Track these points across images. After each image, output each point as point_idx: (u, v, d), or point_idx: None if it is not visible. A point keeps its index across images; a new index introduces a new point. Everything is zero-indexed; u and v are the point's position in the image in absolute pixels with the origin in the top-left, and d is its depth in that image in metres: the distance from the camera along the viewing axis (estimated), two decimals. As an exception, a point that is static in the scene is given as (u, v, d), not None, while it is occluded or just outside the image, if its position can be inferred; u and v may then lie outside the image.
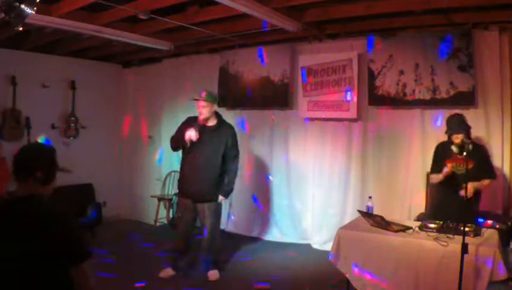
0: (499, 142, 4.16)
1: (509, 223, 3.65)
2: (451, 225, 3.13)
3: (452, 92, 4.27)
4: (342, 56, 4.95)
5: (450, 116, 3.61)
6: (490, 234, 3.11)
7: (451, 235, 2.98)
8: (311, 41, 5.19)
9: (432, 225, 3.20)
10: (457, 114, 3.58)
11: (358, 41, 4.90)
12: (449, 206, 3.43)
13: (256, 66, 5.55)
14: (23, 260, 1.64)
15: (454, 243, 2.84)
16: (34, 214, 1.69)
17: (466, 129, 3.47)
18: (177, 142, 4.07)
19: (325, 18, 4.36)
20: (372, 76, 4.74)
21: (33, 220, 1.67)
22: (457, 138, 3.42)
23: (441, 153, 3.64)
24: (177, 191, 4.30)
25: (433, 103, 4.39)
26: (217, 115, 4.14)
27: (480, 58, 4.20)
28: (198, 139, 3.90)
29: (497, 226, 3.54)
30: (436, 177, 3.62)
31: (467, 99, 4.21)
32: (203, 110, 3.97)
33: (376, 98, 4.74)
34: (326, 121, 5.18)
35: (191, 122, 4.06)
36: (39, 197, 1.77)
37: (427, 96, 4.41)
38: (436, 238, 2.95)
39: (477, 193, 3.48)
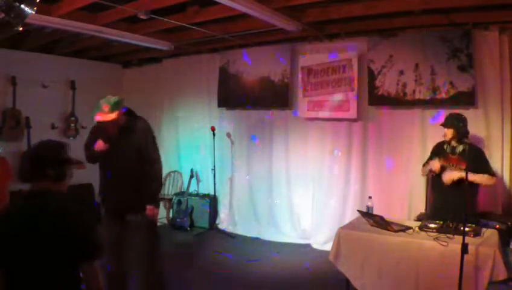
0: (499, 142, 4.16)
1: (509, 223, 3.65)
2: (451, 225, 3.13)
3: (452, 92, 4.28)
4: (342, 56, 4.95)
5: (450, 113, 3.60)
6: (490, 234, 3.11)
7: (451, 235, 2.98)
8: (311, 41, 5.20)
9: (432, 225, 3.20)
10: (458, 113, 3.54)
11: (358, 41, 4.91)
12: (447, 206, 3.44)
13: (256, 66, 5.55)
14: (37, 254, 1.65)
15: (454, 243, 2.84)
16: (48, 210, 1.71)
17: (457, 126, 3.42)
18: (92, 154, 3.39)
19: (325, 18, 4.36)
20: (372, 76, 4.74)
21: (48, 216, 1.69)
22: (447, 134, 3.46)
23: (436, 152, 3.66)
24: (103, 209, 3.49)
25: (433, 103, 4.39)
26: (127, 112, 3.39)
27: (480, 58, 4.20)
28: (110, 144, 3.30)
29: (497, 226, 3.54)
30: (425, 169, 3.69)
31: (467, 99, 4.21)
32: (112, 124, 3.22)
33: (376, 98, 4.74)
34: (326, 121, 5.18)
35: (100, 128, 3.37)
36: (54, 194, 1.78)
37: (427, 96, 4.41)
38: (436, 238, 2.95)
39: (474, 190, 3.42)
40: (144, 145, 3.33)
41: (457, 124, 3.44)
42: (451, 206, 3.33)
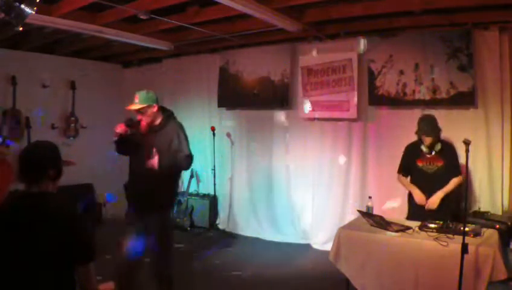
0: (499, 142, 4.16)
1: (509, 223, 3.65)
2: (451, 225, 3.14)
3: (452, 92, 4.27)
4: (342, 56, 4.95)
5: (422, 117, 3.77)
6: (490, 234, 3.11)
7: (451, 235, 2.98)
8: (311, 41, 5.19)
9: (432, 225, 3.20)
10: (430, 116, 3.72)
11: (359, 41, 4.89)
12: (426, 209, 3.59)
13: (256, 66, 5.55)
14: (33, 256, 1.65)
15: (454, 243, 2.84)
16: (45, 211, 1.70)
17: (437, 133, 3.60)
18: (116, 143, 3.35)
19: (325, 18, 4.36)
20: (372, 76, 4.74)
21: (45, 217, 1.69)
22: (427, 140, 3.59)
23: (411, 153, 3.81)
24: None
25: (433, 103, 4.39)
26: (163, 111, 3.41)
27: (480, 58, 4.20)
28: (143, 141, 3.30)
29: (497, 226, 3.54)
30: (409, 188, 3.85)
31: (467, 99, 4.21)
32: (143, 117, 3.27)
33: (376, 98, 4.74)
34: (326, 121, 5.18)
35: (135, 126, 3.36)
36: (50, 195, 1.78)
37: (427, 96, 4.41)
38: (436, 238, 2.96)
39: (451, 193, 3.60)
40: (177, 145, 3.34)
41: (436, 131, 3.59)
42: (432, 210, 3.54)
